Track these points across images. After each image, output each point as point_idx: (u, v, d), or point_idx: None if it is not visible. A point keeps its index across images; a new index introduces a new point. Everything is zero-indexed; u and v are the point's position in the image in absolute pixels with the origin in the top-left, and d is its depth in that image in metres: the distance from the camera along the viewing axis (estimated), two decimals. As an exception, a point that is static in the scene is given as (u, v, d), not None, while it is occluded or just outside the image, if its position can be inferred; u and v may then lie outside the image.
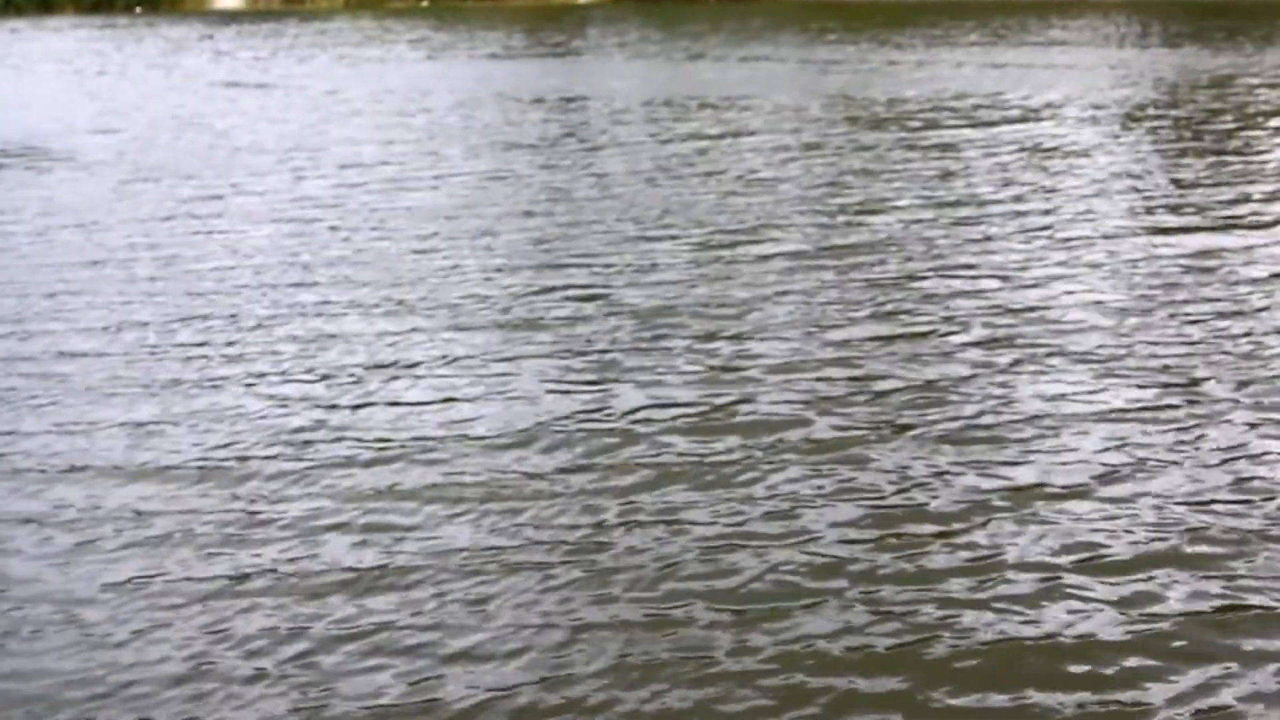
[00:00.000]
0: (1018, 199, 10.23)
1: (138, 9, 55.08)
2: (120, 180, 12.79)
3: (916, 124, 14.63)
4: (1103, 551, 4.20)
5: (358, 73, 24.15)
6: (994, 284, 7.62)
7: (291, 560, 4.35)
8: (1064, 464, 4.92)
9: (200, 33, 38.92)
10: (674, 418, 5.55)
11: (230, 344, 6.97)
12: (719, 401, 5.73)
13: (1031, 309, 7.05)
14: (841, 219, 9.66)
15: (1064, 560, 4.14)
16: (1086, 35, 27.59)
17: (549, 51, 27.19)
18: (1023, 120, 14.62)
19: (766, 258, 8.48)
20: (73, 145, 15.45)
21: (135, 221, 10.61)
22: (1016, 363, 6.13)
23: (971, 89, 17.70)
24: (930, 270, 7.99)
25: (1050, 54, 23.11)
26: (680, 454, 5.14)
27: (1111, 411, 5.45)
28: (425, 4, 50.95)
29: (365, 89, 20.84)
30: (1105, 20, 31.95)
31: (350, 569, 4.26)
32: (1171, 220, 9.31)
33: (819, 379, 5.98)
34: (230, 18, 49.25)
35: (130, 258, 9.27)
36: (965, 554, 4.21)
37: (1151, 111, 15.23)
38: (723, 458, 5.09)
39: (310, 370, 6.45)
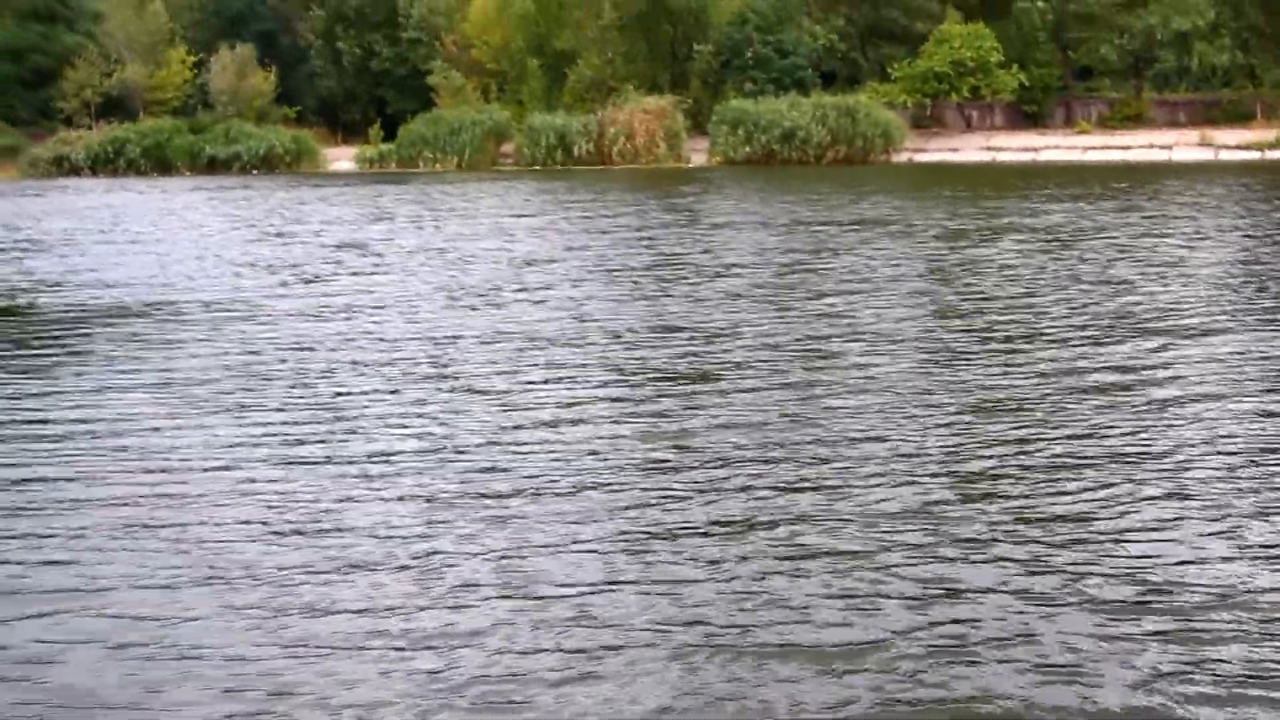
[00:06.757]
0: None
1: (254, 170, 56.13)
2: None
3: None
4: None
5: (485, 236, 23.59)
6: None
7: None
8: None
9: (324, 192, 39.15)
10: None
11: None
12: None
13: None
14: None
15: None
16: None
17: (672, 218, 26.52)
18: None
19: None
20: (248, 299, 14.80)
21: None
22: None
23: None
24: None
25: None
26: None
27: None
28: (537, 167, 51.26)
29: (480, 246, 20.19)
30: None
31: None
32: None
33: None
34: (349, 178, 49.83)
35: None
36: None
37: None
38: None
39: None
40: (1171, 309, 12.75)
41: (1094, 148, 47.25)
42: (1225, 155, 43.94)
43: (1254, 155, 43.40)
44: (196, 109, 65.02)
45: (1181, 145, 46.02)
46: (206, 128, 59.27)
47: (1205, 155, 44.27)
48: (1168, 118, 51.62)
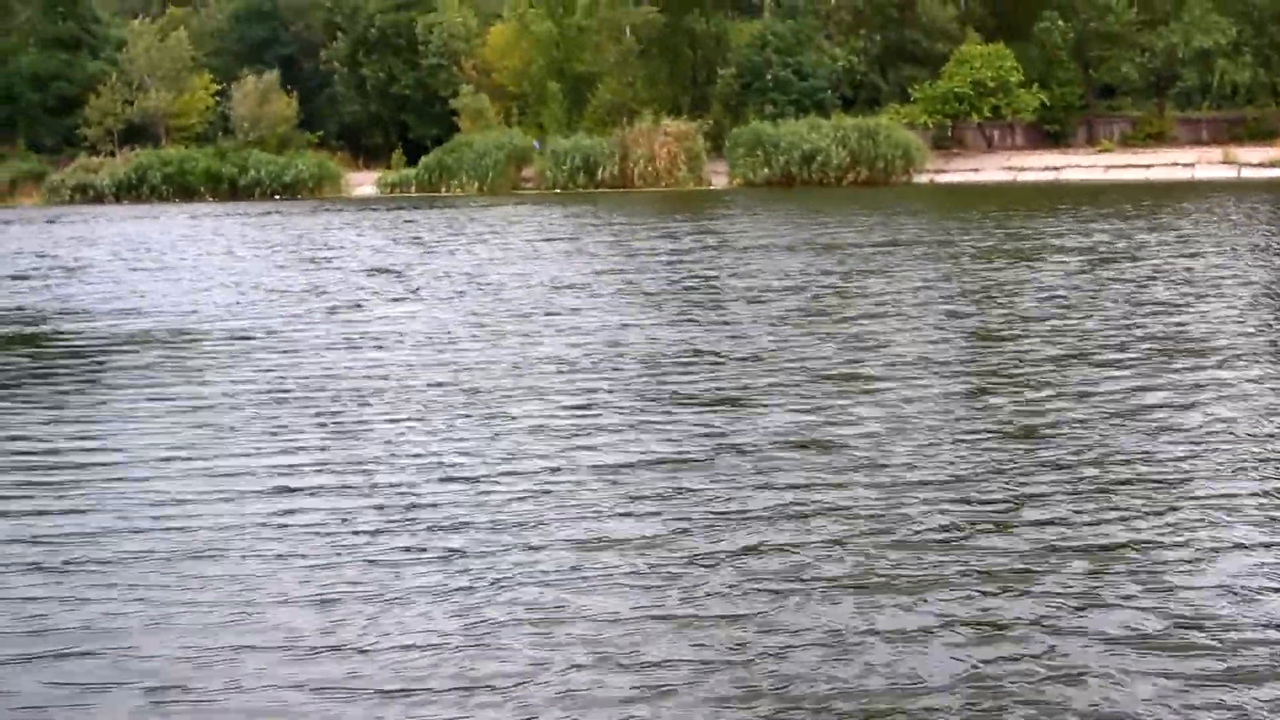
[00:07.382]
0: None
1: (277, 195, 56.38)
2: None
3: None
4: None
5: (507, 260, 23.58)
6: None
7: None
8: None
9: (349, 218, 39.25)
10: None
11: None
12: None
13: None
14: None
15: None
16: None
17: (701, 241, 26.46)
18: None
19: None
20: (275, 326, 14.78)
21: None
22: None
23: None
24: None
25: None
26: None
27: None
28: (559, 191, 51.37)
29: (503, 274, 20.16)
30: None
31: None
32: None
33: None
34: (372, 203, 50.00)
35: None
36: None
37: None
38: None
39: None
40: (1213, 331, 12.64)
41: (1116, 166, 47.08)
42: (1248, 173, 43.71)
43: (1278, 173, 43.14)
44: (219, 135, 65.43)
45: (1204, 163, 45.80)
46: (229, 154, 59.63)
47: (1228, 173, 44.05)
48: (1190, 136, 51.43)
